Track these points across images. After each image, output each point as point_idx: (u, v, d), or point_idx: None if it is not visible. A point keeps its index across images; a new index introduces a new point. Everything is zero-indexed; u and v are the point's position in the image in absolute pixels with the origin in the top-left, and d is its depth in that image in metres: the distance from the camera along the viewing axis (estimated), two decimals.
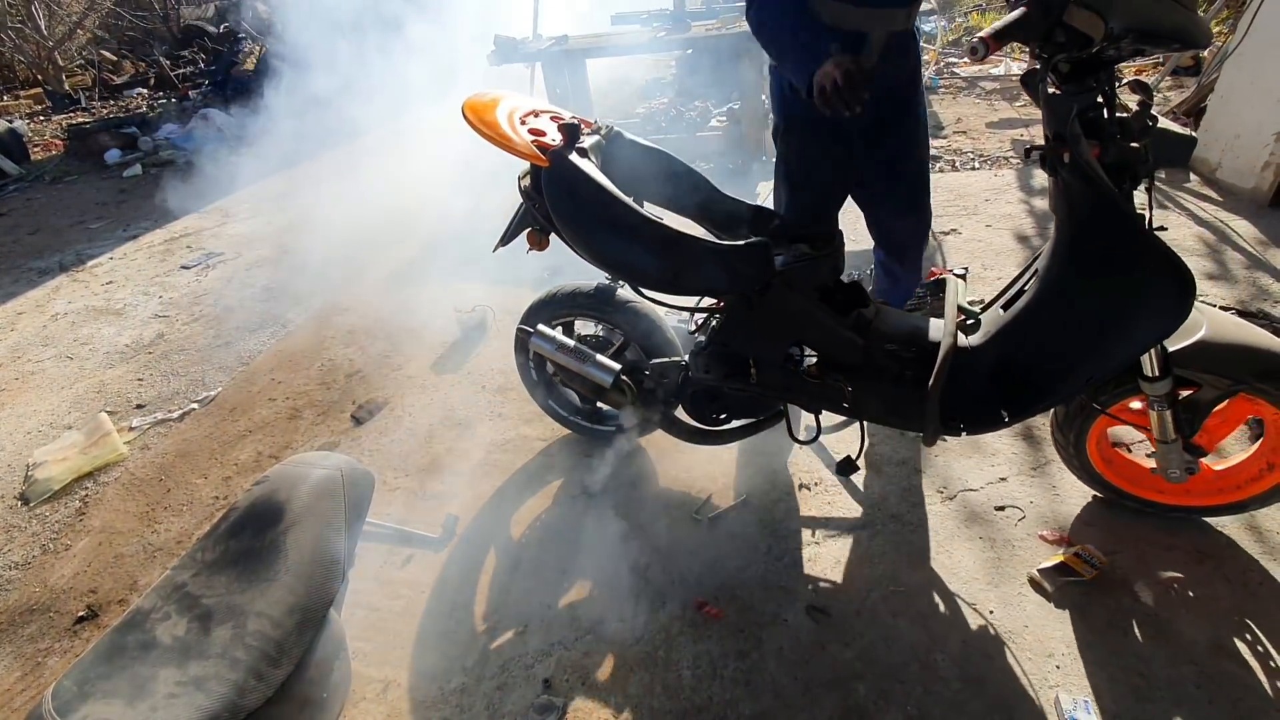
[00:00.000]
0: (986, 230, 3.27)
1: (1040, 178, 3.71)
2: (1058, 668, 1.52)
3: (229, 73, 8.29)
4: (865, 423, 1.77)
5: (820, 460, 2.12)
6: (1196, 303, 1.38)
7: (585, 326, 2.17)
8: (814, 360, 1.74)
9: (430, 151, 5.50)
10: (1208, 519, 1.78)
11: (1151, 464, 1.81)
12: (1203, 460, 1.63)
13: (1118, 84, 1.36)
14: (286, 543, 1.44)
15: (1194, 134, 1.31)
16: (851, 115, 1.47)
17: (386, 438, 2.45)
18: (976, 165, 4.01)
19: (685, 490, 2.09)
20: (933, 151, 4.25)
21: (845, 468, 1.81)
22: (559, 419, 2.28)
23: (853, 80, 1.43)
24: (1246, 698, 1.44)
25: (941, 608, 1.67)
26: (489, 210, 4.22)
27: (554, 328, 2.06)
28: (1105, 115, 1.28)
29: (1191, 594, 1.63)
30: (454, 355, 2.88)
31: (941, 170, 4.01)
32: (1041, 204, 3.43)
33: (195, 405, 2.77)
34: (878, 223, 2.16)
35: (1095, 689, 1.47)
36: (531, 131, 1.72)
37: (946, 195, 3.67)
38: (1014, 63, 5.71)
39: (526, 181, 1.79)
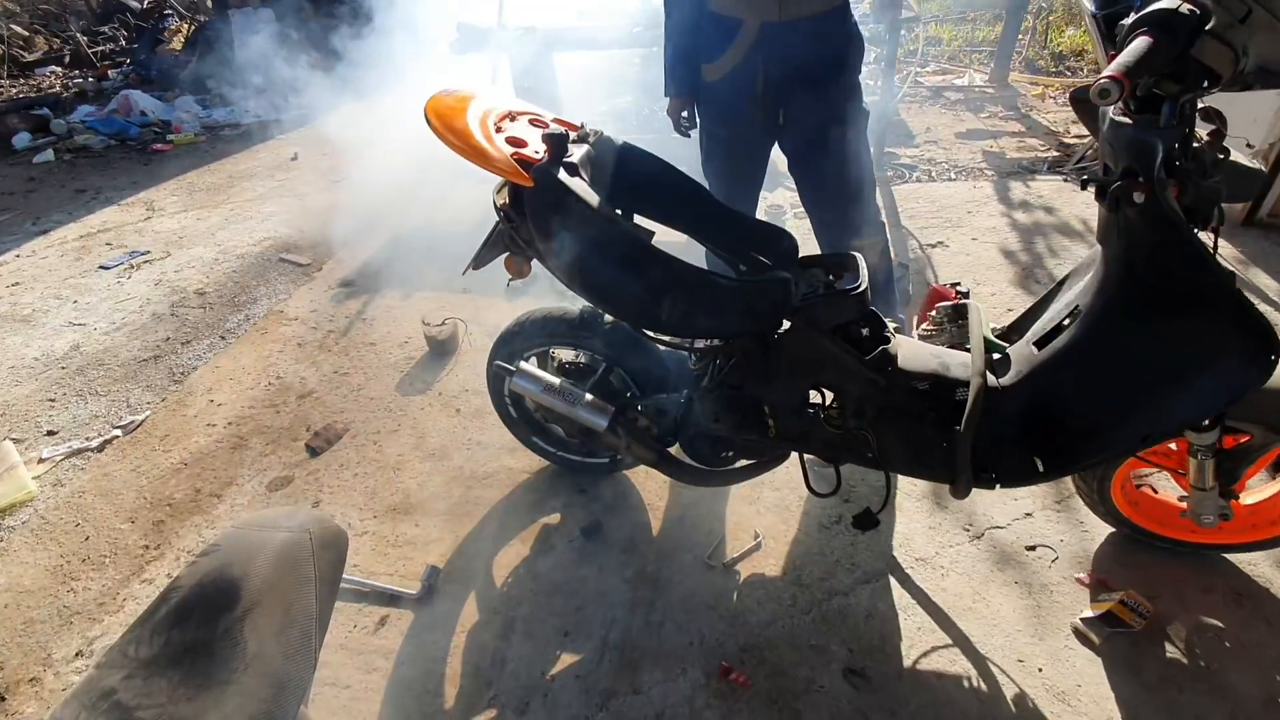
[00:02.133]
0: (973, 243, 3.19)
1: (1018, 192, 3.67)
2: None
3: (154, 51, 7.56)
4: (890, 474, 1.58)
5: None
6: None
7: (563, 350, 1.92)
8: (833, 404, 1.55)
9: (387, 141, 5.11)
10: (1234, 557, 1.69)
11: (1178, 501, 1.71)
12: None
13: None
14: (244, 632, 1.14)
15: (1263, 168, 1.19)
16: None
17: (349, 471, 2.15)
18: (953, 176, 3.94)
19: (694, 529, 1.88)
20: (908, 161, 4.18)
21: (864, 522, 1.59)
22: (544, 454, 2.03)
23: (678, 115, 2.06)
24: None
25: (987, 666, 1.52)
26: (457, 205, 3.91)
27: (529, 359, 1.82)
28: (1186, 151, 1.12)
29: (1237, 641, 1.54)
30: (421, 373, 2.58)
31: (919, 180, 3.93)
32: (1023, 217, 3.38)
33: (118, 432, 2.38)
34: (807, 201, 2.19)
35: None
36: (510, 141, 1.42)
37: (929, 207, 3.58)
38: (976, 74, 5.74)
39: (503, 197, 1.51)
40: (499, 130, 1.45)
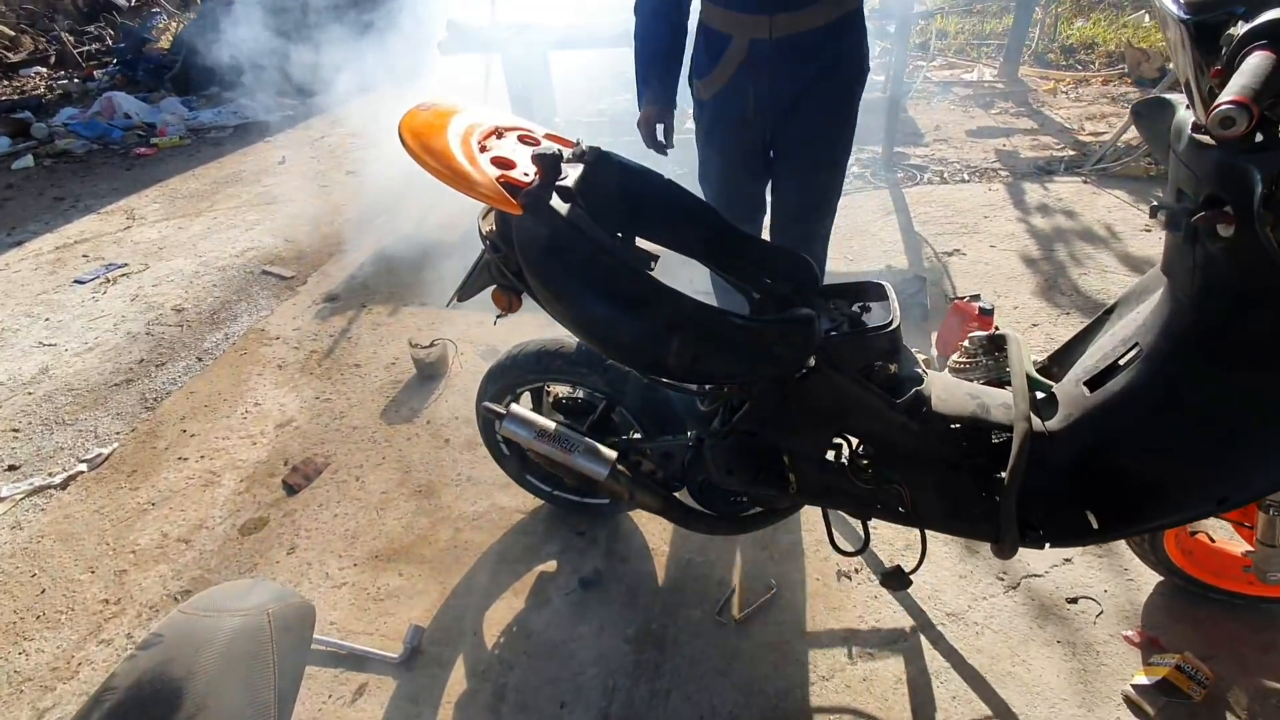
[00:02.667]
0: (991, 251, 3.01)
1: (1035, 194, 3.49)
2: None
3: (140, 51, 7.35)
4: (925, 531, 1.42)
5: (848, 535, 1.79)
6: None
7: (559, 385, 1.75)
8: (861, 454, 1.38)
9: (376, 143, 4.94)
10: None
11: (1237, 550, 1.56)
12: None
13: None
14: None
15: None
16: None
17: (328, 512, 1.99)
18: (966, 178, 3.77)
19: (702, 578, 1.72)
20: (918, 162, 4.01)
21: (894, 581, 1.43)
22: (539, 494, 1.87)
23: (650, 129, 1.82)
24: None
25: None
26: (447, 211, 3.75)
27: (521, 396, 1.65)
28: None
29: None
30: (408, 399, 2.42)
31: (930, 182, 3.76)
32: (1042, 222, 3.21)
33: (83, 466, 2.22)
34: (775, 226, 2.00)
35: None
36: (496, 161, 1.24)
37: (943, 211, 3.41)
38: (985, 68, 5.55)
39: (490, 224, 1.35)
40: (484, 149, 1.28)
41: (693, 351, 1.20)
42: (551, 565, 1.78)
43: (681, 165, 2.08)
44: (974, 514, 1.31)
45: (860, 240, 3.19)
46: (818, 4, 1.56)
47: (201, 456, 2.23)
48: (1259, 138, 0.94)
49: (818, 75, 1.65)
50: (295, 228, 3.79)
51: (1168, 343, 1.18)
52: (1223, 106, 0.77)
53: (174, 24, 7.84)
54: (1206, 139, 1.00)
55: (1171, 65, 4.37)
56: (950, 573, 1.69)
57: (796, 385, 1.28)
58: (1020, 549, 1.26)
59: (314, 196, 4.21)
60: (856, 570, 1.71)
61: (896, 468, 1.34)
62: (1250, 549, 1.38)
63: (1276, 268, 0.94)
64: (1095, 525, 1.26)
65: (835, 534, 1.45)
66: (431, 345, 2.51)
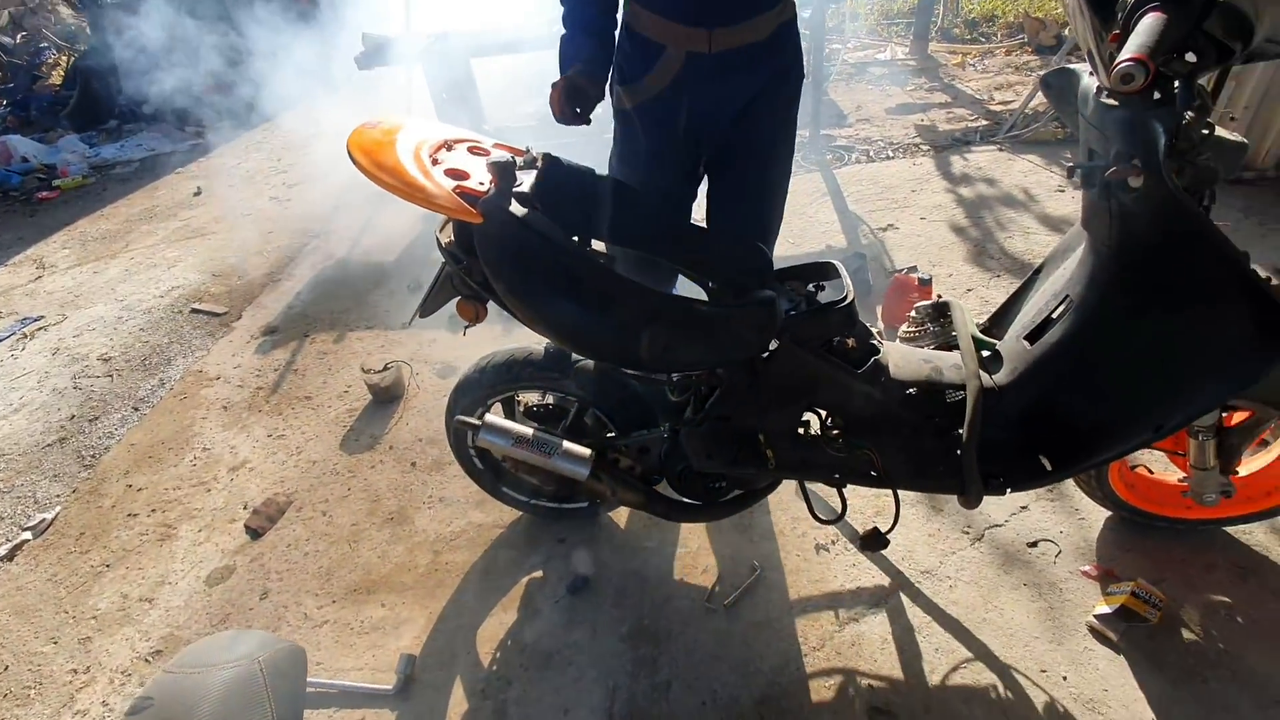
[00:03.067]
0: (923, 223, 3.15)
1: (956, 165, 3.67)
2: None
3: (31, 89, 6.87)
4: (898, 491, 1.49)
5: (823, 507, 1.86)
6: None
7: (530, 394, 1.76)
8: (830, 425, 1.45)
9: (297, 166, 4.77)
10: (1228, 529, 1.68)
11: (1174, 479, 1.69)
12: None
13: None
14: None
15: (1245, 140, 1.16)
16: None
17: (298, 551, 1.93)
18: (891, 155, 3.92)
19: (687, 569, 1.76)
20: (844, 142, 4.14)
21: (873, 543, 1.50)
22: (516, 505, 1.87)
23: (572, 98, 1.53)
24: None
25: (1012, 683, 1.44)
26: (383, 233, 3.67)
27: (492, 406, 1.65)
28: (1178, 131, 1.04)
29: (1249, 619, 1.51)
30: (367, 427, 2.36)
31: (858, 161, 3.89)
32: (966, 192, 3.37)
33: (27, 535, 2.09)
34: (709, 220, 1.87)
35: None
36: (450, 173, 1.27)
37: (872, 188, 3.54)
38: (897, 47, 5.77)
39: (448, 236, 1.36)
40: (435, 163, 1.29)
41: (664, 342, 1.24)
42: (537, 575, 1.78)
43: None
44: (939, 470, 1.39)
45: (799, 222, 3.28)
46: (759, 16, 1.48)
47: (153, 510, 2.12)
48: (1157, 95, 1.03)
49: (764, 88, 1.57)
50: (221, 261, 3.64)
51: (1093, 292, 1.29)
52: (1123, 64, 0.85)
53: (64, 58, 7.35)
54: (1111, 100, 1.09)
55: (1070, 33, 4.64)
56: (919, 533, 1.77)
57: (764, 365, 1.33)
58: (984, 498, 1.34)
59: (237, 227, 4.03)
60: (833, 542, 1.77)
61: (865, 435, 1.41)
62: (1185, 476, 1.51)
63: (1183, 211, 1.04)
64: (1049, 467, 1.36)
65: (813, 505, 1.51)
66: (385, 369, 2.46)
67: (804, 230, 3.21)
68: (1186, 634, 1.49)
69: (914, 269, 2.74)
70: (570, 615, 1.67)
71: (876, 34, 6.29)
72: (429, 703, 1.52)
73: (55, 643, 1.77)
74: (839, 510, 1.49)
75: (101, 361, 2.91)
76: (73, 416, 2.60)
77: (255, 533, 1.99)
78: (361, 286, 3.22)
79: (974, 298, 2.59)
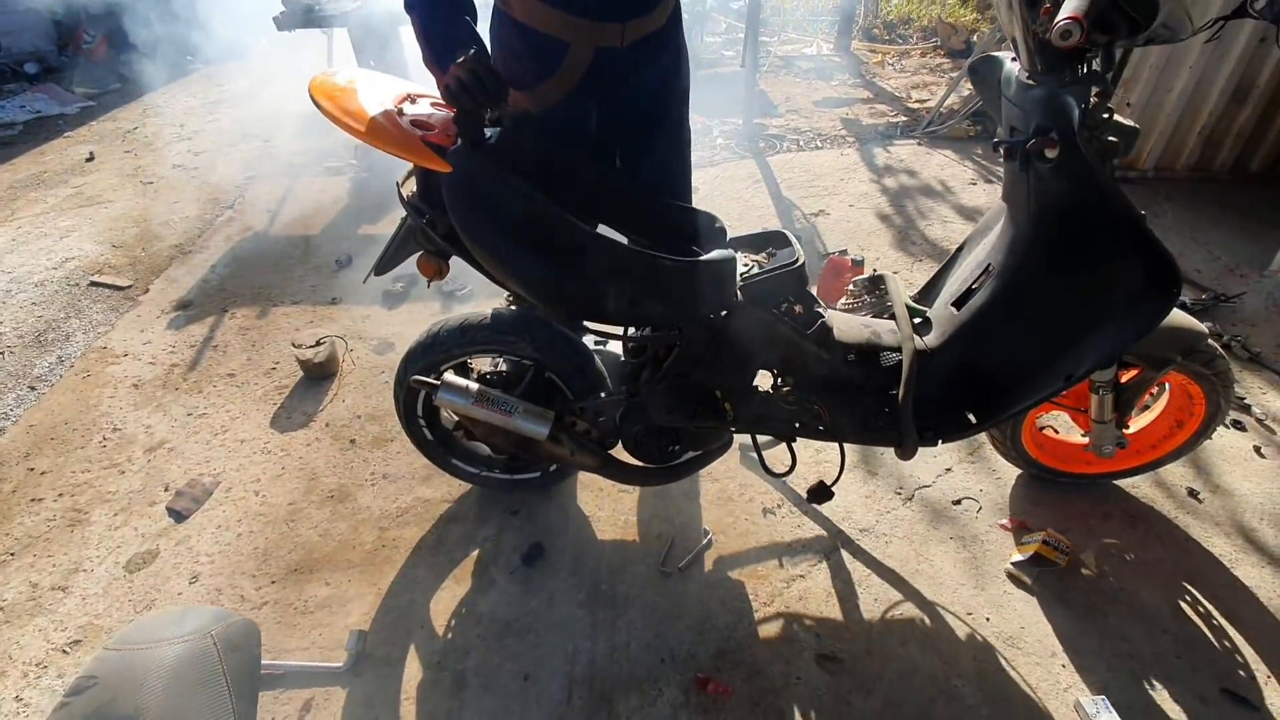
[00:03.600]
0: (851, 210, 3.31)
1: (880, 157, 3.87)
2: (1064, 666, 1.49)
3: None
4: (844, 445, 1.60)
5: (769, 479, 1.95)
6: None
7: (482, 360, 1.75)
8: (782, 383, 1.54)
9: (205, 132, 4.44)
10: (1119, 482, 1.89)
11: (1077, 439, 1.88)
12: None
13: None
14: None
15: (1138, 126, 1.35)
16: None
17: (229, 533, 1.83)
18: (820, 145, 4.08)
19: (641, 535, 1.80)
20: (776, 132, 4.28)
21: (819, 495, 1.61)
22: (466, 477, 1.84)
23: (482, 83, 1.18)
24: (1218, 659, 1.51)
25: (942, 625, 1.57)
26: (301, 204, 3.50)
27: (443, 373, 1.64)
28: (1085, 109, 1.20)
29: (1139, 560, 1.71)
30: (299, 404, 2.26)
31: (789, 150, 4.03)
32: (890, 182, 3.57)
33: None
34: None
35: (1102, 683, 1.46)
36: (415, 124, 1.29)
37: (804, 175, 3.68)
38: (822, 43, 5.98)
39: (411, 190, 1.37)
40: (400, 113, 1.28)
41: (630, 295, 1.28)
42: (490, 548, 1.77)
43: None
44: (880, 425, 1.51)
45: (736, 206, 3.38)
46: (662, 2, 1.44)
47: (60, 495, 1.95)
48: (1068, 77, 1.17)
49: (667, 74, 1.56)
50: (121, 231, 3.35)
51: (1012, 259, 1.44)
52: (1063, 22, 1.00)
53: None
54: (1031, 80, 1.23)
55: (994, 24, 4.94)
56: (857, 494, 1.89)
57: (723, 324, 1.40)
58: (920, 449, 1.47)
59: (138, 195, 3.73)
60: (779, 506, 1.86)
61: (814, 393, 1.50)
62: (1087, 432, 1.68)
63: (1093, 176, 1.19)
64: (974, 421, 1.50)
65: (764, 460, 1.60)
66: (318, 345, 2.35)
67: (741, 214, 3.31)
68: (1088, 575, 1.67)
69: (845, 251, 2.88)
70: (526, 585, 1.68)
71: (802, 29, 6.50)
72: (383, 677, 1.49)
73: None
74: (789, 465, 1.58)
75: None
76: None
77: (179, 515, 1.87)
78: (283, 261, 3.05)
79: (899, 279, 2.75)
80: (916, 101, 4.74)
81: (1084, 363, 1.38)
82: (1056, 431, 1.98)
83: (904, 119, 4.43)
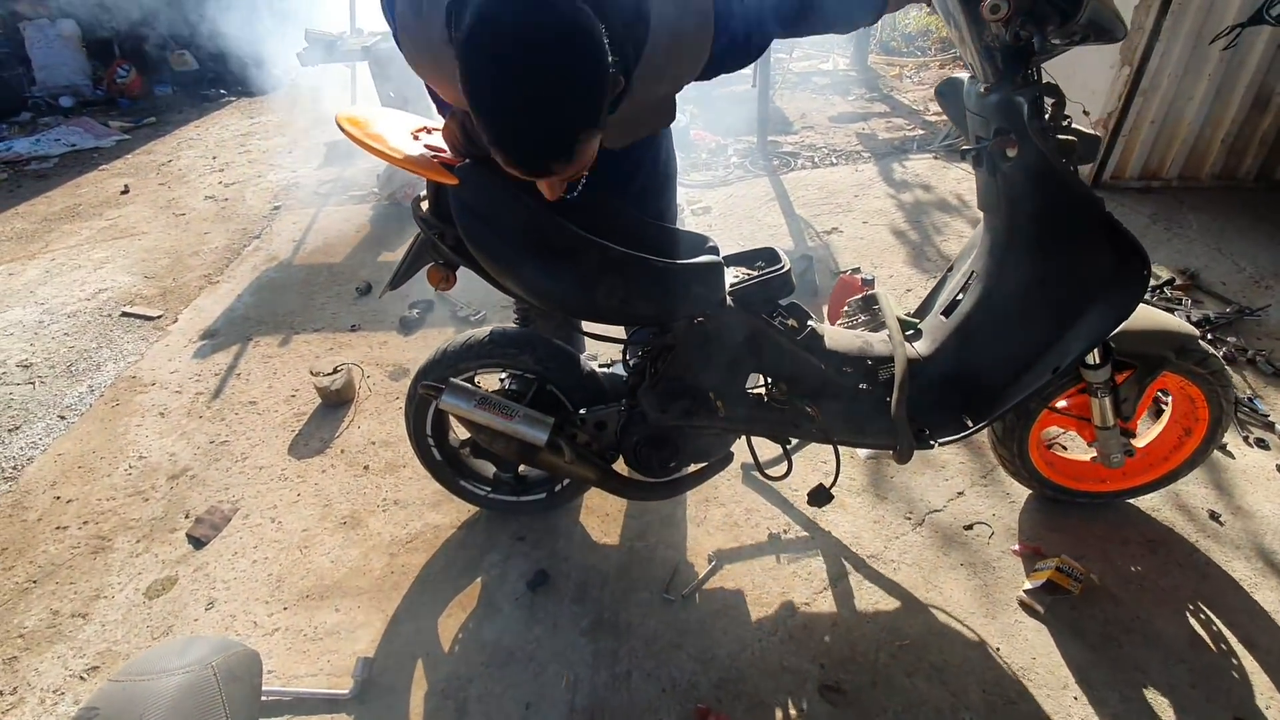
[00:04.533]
0: (865, 227, 3.30)
1: (895, 172, 3.85)
2: (1075, 699, 1.46)
3: None
4: (838, 448, 1.62)
5: (773, 501, 1.94)
6: None
7: (488, 378, 1.81)
8: (775, 387, 1.58)
9: (234, 165, 4.62)
10: (1137, 503, 1.85)
11: (1087, 457, 1.85)
12: None
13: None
14: None
15: (1100, 134, 1.42)
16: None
17: (245, 559, 1.89)
18: (834, 161, 4.09)
19: (646, 562, 1.80)
20: (790, 149, 4.29)
21: (819, 498, 1.65)
22: (474, 500, 1.88)
23: (469, 138, 1.26)
24: (1234, 688, 1.46)
25: (951, 655, 1.55)
26: (324, 234, 3.60)
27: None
28: (1040, 112, 1.29)
29: (1156, 587, 1.66)
30: (317, 431, 2.32)
31: (803, 167, 4.04)
32: (905, 197, 3.55)
33: None
34: None
35: (1115, 715, 1.42)
36: (428, 148, 1.39)
37: (817, 193, 3.68)
38: (838, 58, 5.99)
39: (425, 207, 1.46)
40: (416, 139, 1.40)
41: (621, 294, 1.34)
42: (496, 574, 1.79)
43: None
44: (875, 429, 1.56)
45: (748, 226, 3.39)
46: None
47: (85, 522, 2.03)
48: (1018, 79, 1.28)
49: (643, 157, 1.57)
50: (154, 262, 3.50)
51: (992, 263, 1.52)
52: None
53: None
54: (984, 88, 1.33)
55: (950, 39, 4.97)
56: (865, 519, 1.87)
57: (715, 326, 1.45)
58: (915, 453, 1.53)
59: (170, 227, 3.89)
60: (785, 531, 1.85)
61: (806, 397, 1.55)
62: (1094, 441, 1.66)
63: (1049, 166, 1.29)
64: (970, 422, 1.55)
65: (761, 463, 1.64)
66: (335, 372, 2.42)
67: (752, 234, 3.32)
68: (1106, 605, 1.63)
69: (858, 270, 2.88)
70: (530, 612, 1.69)
71: (819, 45, 6.52)
72: (388, 704, 1.52)
73: None
74: (786, 469, 1.64)
75: (21, 368, 2.75)
76: None
77: (199, 542, 1.94)
78: (307, 289, 3.15)
79: (913, 297, 2.73)
80: (934, 115, 4.72)
81: (1069, 354, 1.43)
82: (1065, 449, 1.94)
83: (920, 133, 4.41)
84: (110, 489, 2.15)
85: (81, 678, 1.62)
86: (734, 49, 1.21)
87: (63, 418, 2.47)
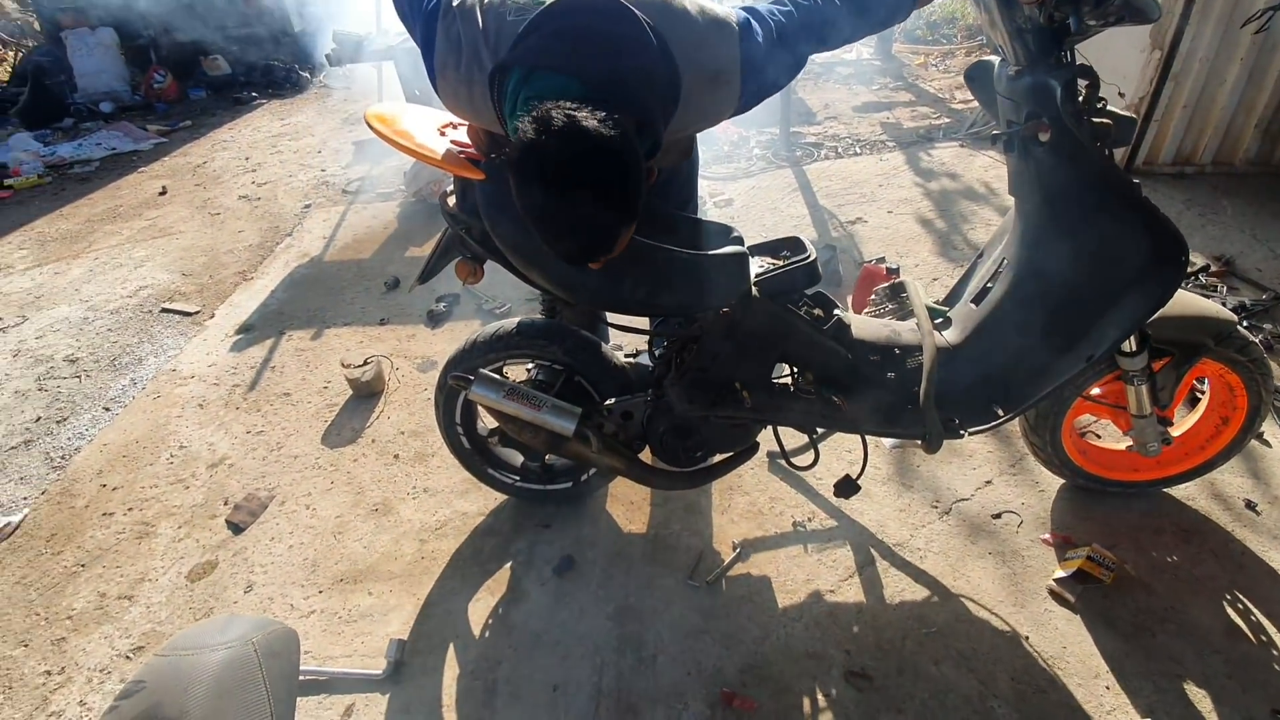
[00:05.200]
0: (890, 216, 3.26)
1: (921, 161, 3.80)
2: (1108, 688, 1.44)
3: None
4: (866, 437, 1.62)
5: (798, 489, 1.94)
6: None
7: (516, 370, 1.83)
8: (801, 376, 1.58)
9: (267, 164, 4.72)
10: (1171, 491, 1.81)
11: (1122, 446, 1.81)
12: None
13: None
14: None
15: (1135, 116, 1.38)
16: None
17: (281, 544, 1.94)
18: (858, 151, 4.04)
19: (670, 549, 1.81)
20: (813, 139, 4.25)
21: (845, 489, 1.64)
22: (501, 488, 1.91)
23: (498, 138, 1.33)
24: (1272, 679, 1.43)
25: (979, 644, 1.53)
26: (354, 231, 3.67)
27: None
28: (1073, 94, 1.27)
29: (1191, 576, 1.63)
30: (348, 421, 2.37)
31: (827, 157, 4.00)
32: (931, 186, 3.50)
33: None
34: None
35: (1149, 705, 1.40)
36: (455, 144, 1.41)
37: (841, 183, 3.64)
38: (862, 47, 5.92)
39: (453, 203, 1.49)
40: (443, 135, 1.43)
41: (646, 286, 1.35)
42: (523, 560, 1.82)
43: None
44: (904, 419, 1.54)
45: (772, 217, 3.37)
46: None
47: (129, 509, 2.10)
48: (1052, 60, 1.26)
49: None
50: (191, 260, 3.59)
51: (1023, 249, 1.49)
52: None
53: (10, 53, 7.12)
54: (1015, 70, 1.32)
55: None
56: (891, 508, 1.86)
57: (739, 317, 1.44)
58: (945, 445, 1.53)
59: (206, 226, 3.98)
60: (810, 519, 1.85)
61: (834, 387, 1.54)
62: (1129, 429, 1.62)
63: (1082, 150, 1.27)
64: (1000, 411, 1.52)
65: (787, 455, 1.65)
66: (365, 364, 2.47)
67: (776, 225, 3.30)
68: (1139, 594, 1.60)
69: (882, 259, 2.84)
70: (557, 597, 1.71)
71: None
72: (419, 684, 1.55)
73: (26, 645, 1.75)
74: (812, 458, 1.63)
75: (68, 363, 2.85)
76: (39, 419, 2.55)
77: (238, 528, 2.00)
78: (337, 284, 3.21)
79: (939, 287, 2.70)
80: (960, 102, 4.64)
81: (1104, 341, 1.40)
82: (1099, 437, 1.90)
83: (947, 121, 4.34)
84: (153, 477, 2.22)
85: (127, 657, 1.68)
86: (762, 93, 1.25)
87: (107, 409, 2.56)
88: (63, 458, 2.36)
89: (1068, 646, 1.51)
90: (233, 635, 1.17)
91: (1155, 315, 1.37)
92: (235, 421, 2.43)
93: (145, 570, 1.90)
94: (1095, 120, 1.28)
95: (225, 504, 2.08)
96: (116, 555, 1.96)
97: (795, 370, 1.59)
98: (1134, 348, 1.46)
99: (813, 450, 1.64)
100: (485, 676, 1.56)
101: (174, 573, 1.89)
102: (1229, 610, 1.56)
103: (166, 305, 3.19)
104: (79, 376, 2.76)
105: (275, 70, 6.55)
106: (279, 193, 4.33)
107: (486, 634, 1.65)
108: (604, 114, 0.95)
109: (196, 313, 3.13)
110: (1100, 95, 1.30)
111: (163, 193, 4.48)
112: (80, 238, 3.98)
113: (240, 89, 6.54)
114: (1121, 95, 3.13)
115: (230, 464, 2.24)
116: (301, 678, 1.57)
